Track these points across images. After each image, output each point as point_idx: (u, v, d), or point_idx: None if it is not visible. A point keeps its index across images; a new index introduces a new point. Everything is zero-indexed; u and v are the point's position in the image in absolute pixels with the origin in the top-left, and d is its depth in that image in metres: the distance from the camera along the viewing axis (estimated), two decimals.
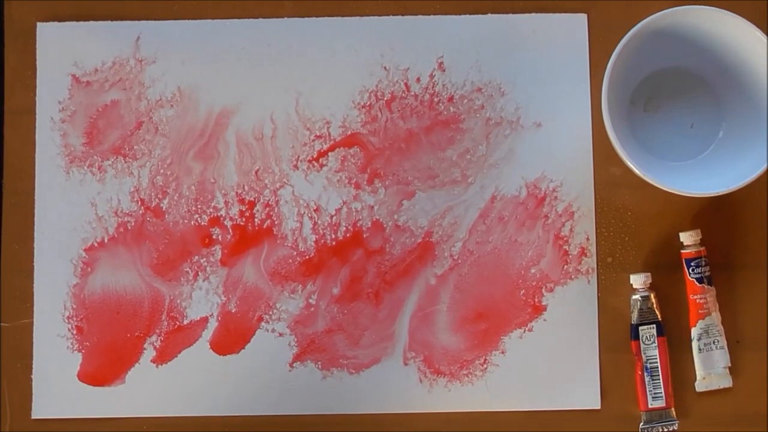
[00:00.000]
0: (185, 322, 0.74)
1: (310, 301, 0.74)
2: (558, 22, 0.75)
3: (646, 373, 0.73)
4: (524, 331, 0.74)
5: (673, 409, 0.73)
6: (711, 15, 0.68)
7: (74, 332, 0.74)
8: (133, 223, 0.75)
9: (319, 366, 0.74)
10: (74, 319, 0.75)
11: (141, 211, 0.75)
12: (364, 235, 0.75)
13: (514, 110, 0.75)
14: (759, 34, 0.67)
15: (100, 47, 0.76)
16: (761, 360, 0.74)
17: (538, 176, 0.75)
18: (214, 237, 0.75)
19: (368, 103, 0.75)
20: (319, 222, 0.75)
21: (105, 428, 0.74)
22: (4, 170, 0.76)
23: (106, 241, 0.75)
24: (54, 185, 0.75)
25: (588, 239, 0.74)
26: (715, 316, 0.73)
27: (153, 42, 0.76)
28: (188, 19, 0.76)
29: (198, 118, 0.76)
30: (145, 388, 0.74)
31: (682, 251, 0.73)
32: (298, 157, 0.75)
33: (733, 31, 0.68)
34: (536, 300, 0.74)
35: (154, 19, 0.76)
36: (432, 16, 0.76)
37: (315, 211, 0.75)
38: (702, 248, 0.73)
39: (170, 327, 0.74)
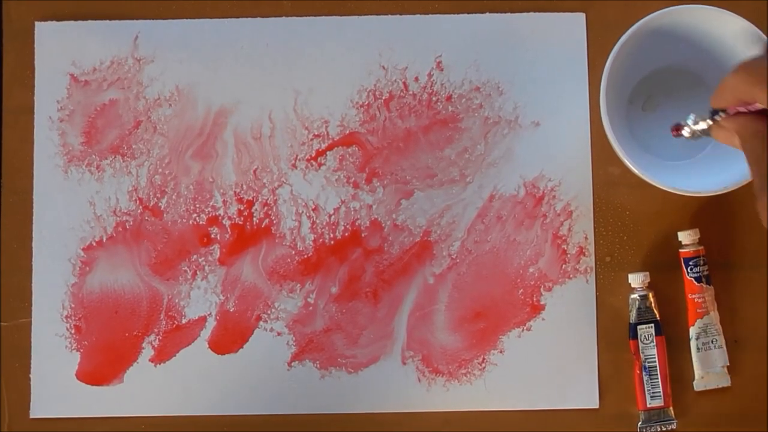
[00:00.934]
0: (183, 322, 0.75)
1: (309, 300, 0.74)
2: (556, 21, 0.75)
3: (644, 373, 0.73)
4: (523, 331, 0.74)
5: (671, 408, 0.73)
6: (708, 14, 0.68)
7: (73, 331, 0.74)
8: (131, 223, 0.75)
9: (318, 365, 0.74)
10: (73, 318, 0.75)
11: (139, 211, 0.75)
12: (363, 235, 0.75)
13: (513, 109, 0.75)
14: (757, 31, 0.67)
15: (98, 46, 0.76)
16: (759, 359, 0.74)
17: (537, 175, 0.75)
18: (212, 236, 0.75)
19: (367, 102, 0.75)
20: (318, 221, 0.75)
21: (103, 427, 0.74)
22: (3, 169, 0.76)
23: (104, 240, 0.75)
24: (52, 184, 0.75)
25: (586, 238, 0.74)
26: (714, 316, 0.73)
27: (151, 41, 0.76)
28: (186, 18, 0.76)
29: (196, 117, 0.76)
30: (144, 388, 0.74)
31: (680, 250, 0.73)
32: (297, 156, 0.75)
33: (731, 29, 0.68)
34: (535, 299, 0.74)
35: (153, 19, 0.76)
36: (430, 15, 0.76)
37: (313, 210, 0.75)
38: (700, 247, 0.73)
39: (168, 326, 0.74)
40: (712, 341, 0.73)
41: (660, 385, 0.72)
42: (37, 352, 0.74)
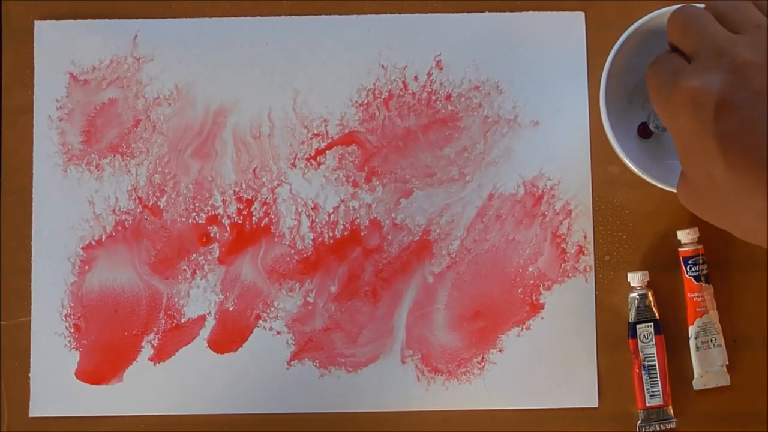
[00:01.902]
0: (183, 321, 0.75)
1: (308, 299, 0.74)
2: (556, 20, 0.75)
3: (643, 372, 0.73)
4: (522, 330, 0.74)
5: (670, 407, 0.73)
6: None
7: (72, 330, 0.74)
8: (130, 222, 0.75)
9: (317, 364, 0.74)
10: (72, 317, 0.75)
11: (139, 210, 0.75)
12: (362, 233, 0.75)
13: (512, 108, 0.75)
14: None
15: (97, 45, 0.76)
16: (759, 358, 0.74)
17: (536, 174, 0.75)
18: (211, 235, 0.75)
19: (366, 101, 0.75)
20: (317, 220, 0.75)
21: (103, 426, 0.74)
22: (2, 168, 0.76)
23: (103, 239, 0.75)
24: (52, 183, 0.75)
25: (586, 237, 0.74)
26: (713, 315, 0.73)
27: (150, 40, 0.76)
28: (186, 17, 0.76)
29: (195, 116, 0.76)
30: (143, 387, 0.74)
31: (679, 249, 0.73)
32: (296, 155, 0.75)
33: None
34: (534, 298, 0.74)
35: (152, 18, 0.76)
36: (430, 14, 0.76)
37: (312, 209, 0.75)
38: (699, 246, 0.73)
39: (168, 325, 0.74)
40: (711, 340, 0.73)
41: (659, 384, 0.72)
42: (36, 351, 0.74)
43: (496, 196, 0.75)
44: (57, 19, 0.76)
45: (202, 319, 0.75)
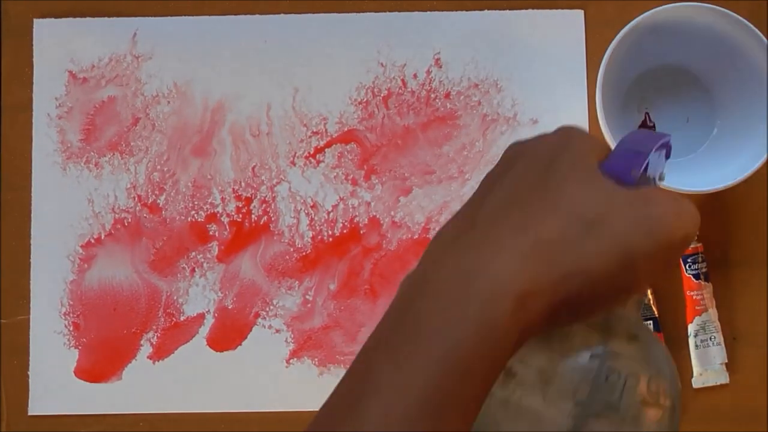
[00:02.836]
0: (182, 319, 0.74)
1: (307, 297, 0.74)
2: (555, 18, 0.75)
3: None
4: None
5: None
6: (705, 12, 0.68)
7: (71, 328, 0.74)
8: (129, 220, 0.75)
9: (316, 362, 0.74)
10: (71, 315, 0.75)
11: (138, 208, 0.75)
12: (361, 232, 0.75)
13: (511, 106, 0.75)
14: (753, 29, 0.67)
15: (96, 44, 0.76)
16: (758, 356, 0.73)
17: None
18: (210, 233, 0.75)
19: (365, 99, 0.75)
20: (316, 218, 0.75)
21: (102, 424, 0.74)
22: (1, 167, 0.76)
23: (102, 237, 0.75)
24: (51, 181, 0.75)
25: None
26: (712, 313, 0.73)
27: (149, 38, 0.76)
28: (185, 15, 0.76)
29: (194, 114, 0.76)
30: (142, 385, 0.74)
31: None
32: (295, 153, 0.75)
33: (726, 27, 0.68)
34: None
35: (151, 16, 0.76)
36: (429, 12, 0.76)
37: (312, 207, 0.75)
38: (699, 245, 0.73)
39: (167, 323, 0.74)
40: (710, 338, 0.73)
41: None
42: (35, 349, 0.74)
43: None
44: (56, 17, 0.76)
45: (201, 317, 0.75)
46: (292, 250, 0.75)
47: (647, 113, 0.74)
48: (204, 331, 0.74)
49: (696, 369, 0.73)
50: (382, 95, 0.75)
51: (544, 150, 0.40)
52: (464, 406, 0.36)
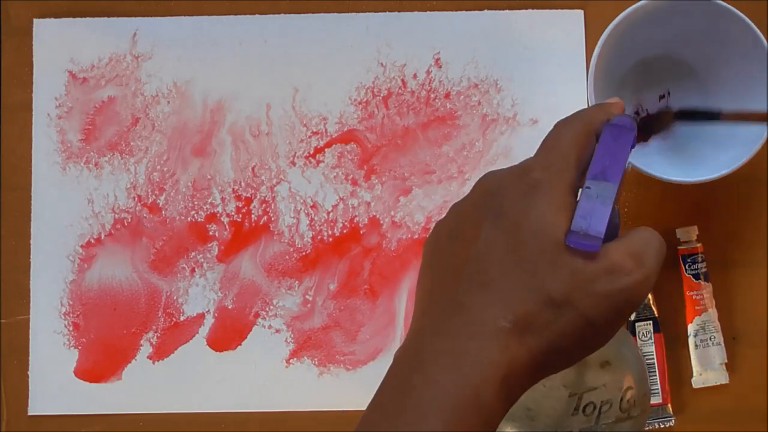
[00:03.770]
0: (182, 319, 0.74)
1: (307, 297, 0.74)
2: (554, 18, 0.75)
3: None
4: None
5: (669, 405, 0.73)
6: (697, 2, 0.67)
7: (71, 328, 0.74)
8: (129, 220, 0.75)
9: (316, 362, 0.74)
10: (71, 315, 0.75)
11: (137, 208, 0.75)
12: (361, 231, 0.75)
13: (511, 106, 0.75)
14: (743, 18, 0.66)
15: (96, 43, 0.76)
16: (758, 356, 0.73)
17: None
18: (210, 233, 0.75)
19: (365, 99, 0.75)
20: (316, 218, 0.75)
21: (102, 424, 0.74)
22: (1, 166, 0.76)
23: (102, 237, 0.75)
24: (51, 181, 0.75)
25: None
26: (712, 313, 0.73)
27: (149, 38, 0.76)
28: (184, 15, 0.76)
29: (194, 114, 0.76)
30: (142, 385, 0.74)
31: (678, 247, 0.73)
32: (295, 153, 0.75)
33: (719, 16, 0.67)
34: None
35: (151, 16, 0.76)
36: (428, 12, 0.76)
37: (312, 207, 0.75)
38: (698, 245, 0.73)
39: (167, 323, 0.74)
40: (710, 338, 0.73)
41: (658, 382, 0.72)
42: (35, 349, 0.74)
43: None
44: (56, 17, 0.76)
45: (201, 317, 0.75)
46: (291, 250, 0.75)
47: (666, 95, 0.73)
48: (204, 331, 0.74)
49: (696, 369, 0.73)
50: (381, 95, 0.75)
51: (512, 217, 0.43)
52: None
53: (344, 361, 0.74)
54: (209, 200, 0.75)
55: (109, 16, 0.76)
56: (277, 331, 0.74)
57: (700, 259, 0.72)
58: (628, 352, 0.64)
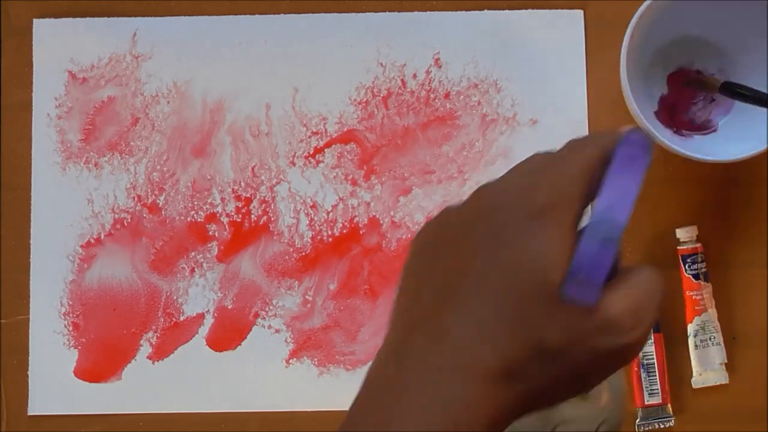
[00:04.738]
0: (181, 319, 0.74)
1: (307, 297, 0.74)
2: (554, 18, 0.75)
3: (642, 370, 0.72)
4: None
5: (669, 405, 0.73)
6: None
7: (71, 328, 0.74)
8: (129, 220, 0.75)
9: (316, 362, 0.74)
10: (71, 315, 0.75)
11: (137, 208, 0.75)
12: (361, 232, 0.75)
13: (511, 106, 0.75)
14: None
15: (96, 43, 0.76)
16: (758, 356, 0.73)
17: None
18: (210, 233, 0.75)
19: (365, 99, 0.75)
20: (316, 218, 0.75)
21: (101, 424, 0.74)
22: (1, 166, 0.76)
23: (102, 237, 0.75)
24: (50, 181, 0.75)
25: None
26: (712, 313, 0.73)
27: (149, 38, 0.76)
28: (184, 15, 0.76)
29: (194, 114, 0.76)
30: (142, 385, 0.74)
31: (678, 247, 0.73)
32: (295, 153, 0.75)
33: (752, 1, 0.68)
34: None
35: (151, 16, 0.76)
36: (428, 12, 0.76)
37: (311, 207, 0.75)
38: (698, 244, 0.73)
39: (166, 323, 0.74)
40: (710, 338, 0.73)
41: (658, 383, 0.72)
42: (35, 349, 0.74)
43: None
44: (56, 17, 0.76)
45: (201, 317, 0.75)
46: (291, 250, 0.75)
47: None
48: (204, 331, 0.74)
49: (696, 369, 0.73)
50: (381, 95, 0.75)
51: (510, 246, 0.39)
52: None
53: (344, 361, 0.74)
54: (209, 200, 0.75)
55: (109, 16, 0.76)
56: (277, 331, 0.74)
57: (700, 259, 0.72)
58: (610, 384, 0.64)
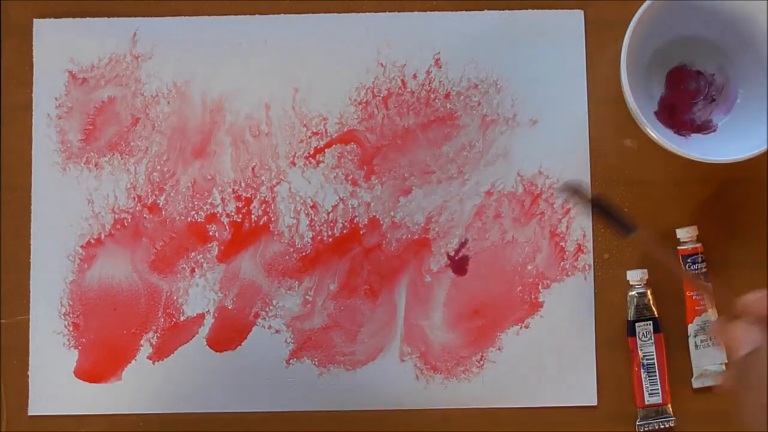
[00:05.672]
0: (182, 319, 0.74)
1: (307, 297, 0.74)
2: (554, 18, 0.75)
3: (642, 370, 0.73)
4: (521, 328, 0.74)
5: (669, 405, 0.73)
6: None
7: (71, 329, 0.74)
8: (129, 220, 0.75)
9: (316, 363, 0.74)
10: (71, 315, 0.75)
11: (137, 208, 0.75)
12: (361, 232, 0.75)
13: (511, 107, 0.75)
14: None
15: (96, 44, 0.76)
16: None
17: (534, 173, 0.75)
18: (210, 233, 0.75)
19: (365, 99, 0.75)
20: (316, 218, 0.75)
21: (101, 425, 0.74)
22: (1, 166, 0.76)
23: (102, 237, 0.75)
24: (50, 181, 0.75)
25: (584, 235, 0.74)
26: (712, 313, 0.73)
27: (149, 38, 0.76)
28: (184, 15, 0.76)
29: (194, 114, 0.76)
30: (142, 385, 0.74)
31: (678, 247, 0.73)
32: (295, 153, 0.75)
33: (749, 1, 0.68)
34: (533, 297, 0.74)
35: (151, 16, 0.76)
36: (429, 12, 0.76)
37: (311, 207, 0.75)
38: (698, 245, 0.73)
39: (167, 323, 0.74)
40: (710, 338, 0.73)
41: (658, 383, 0.72)
42: (35, 350, 0.74)
43: (495, 194, 0.75)
44: (56, 17, 0.76)
45: (201, 317, 0.75)
46: (291, 250, 0.75)
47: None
48: (204, 331, 0.74)
49: (696, 369, 0.73)
50: (381, 95, 0.75)
51: None
52: None
53: (344, 361, 0.74)
54: (209, 200, 0.75)
55: (109, 16, 0.76)
56: (277, 331, 0.74)
57: (700, 259, 0.72)
58: None
